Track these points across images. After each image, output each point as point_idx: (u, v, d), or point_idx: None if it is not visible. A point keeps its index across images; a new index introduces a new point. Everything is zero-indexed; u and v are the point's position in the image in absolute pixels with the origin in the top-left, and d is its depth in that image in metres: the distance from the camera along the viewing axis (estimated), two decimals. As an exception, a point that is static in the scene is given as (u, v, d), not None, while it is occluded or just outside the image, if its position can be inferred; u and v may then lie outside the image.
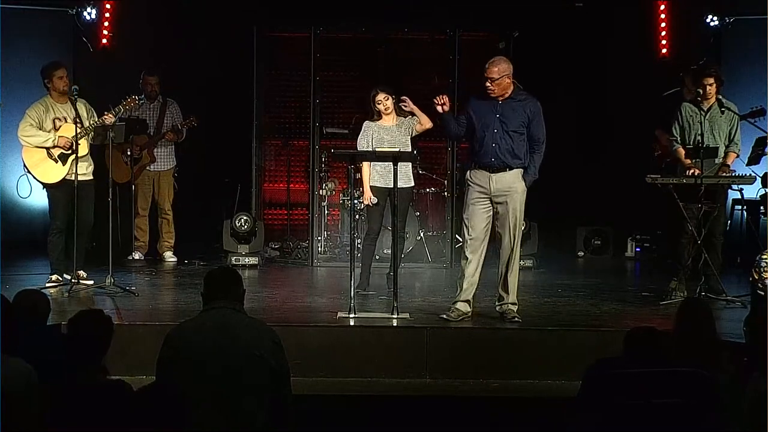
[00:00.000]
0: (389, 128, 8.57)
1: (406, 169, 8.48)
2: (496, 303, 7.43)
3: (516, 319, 7.29)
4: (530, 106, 7.32)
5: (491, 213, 7.31)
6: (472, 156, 7.41)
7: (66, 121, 8.49)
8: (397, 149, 8.21)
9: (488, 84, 7.22)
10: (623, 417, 4.46)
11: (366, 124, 8.68)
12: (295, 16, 10.86)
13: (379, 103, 8.56)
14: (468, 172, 7.43)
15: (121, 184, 10.16)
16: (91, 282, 8.50)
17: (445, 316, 7.30)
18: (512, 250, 7.31)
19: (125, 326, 6.95)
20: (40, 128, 8.49)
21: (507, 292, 7.36)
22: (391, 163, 7.81)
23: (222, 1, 11.15)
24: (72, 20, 11.08)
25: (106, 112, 8.50)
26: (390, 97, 8.56)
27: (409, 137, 8.56)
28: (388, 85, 8.88)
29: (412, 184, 8.75)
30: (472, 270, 7.33)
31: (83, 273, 8.50)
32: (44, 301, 5.31)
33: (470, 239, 7.31)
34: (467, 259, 7.33)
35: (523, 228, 7.48)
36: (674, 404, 4.48)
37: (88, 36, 11.10)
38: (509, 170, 7.26)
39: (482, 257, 7.37)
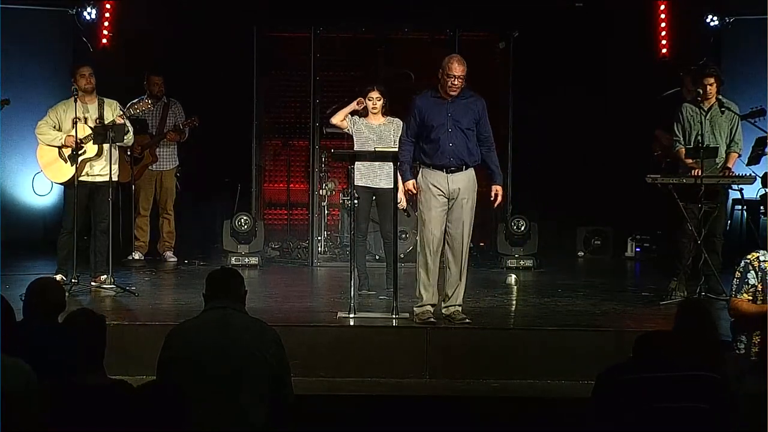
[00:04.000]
0: (375, 127, 8.62)
1: (388, 169, 8.37)
2: (442, 305, 7.20)
3: (467, 321, 7.12)
4: (479, 105, 7.25)
5: (446, 213, 7.19)
6: (425, 157, 7.22)
7: (86, 122, 8.44)
8: (382, 148, 8.20)
9: (455, 82, 7.15)
10: (641, 421, 4.43)
11: (354, 118, 8.72)
12: (295, 16, 10.86)
13: (370, 100, 8.61)
14: (420, 173, 7.27)
15: (122, 184, 10.16)
16: (98, 284, 8.45)
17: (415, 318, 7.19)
18: (464, 249, 7.15)
19: (125, 326, 6.95)
20: (59, 127, 8.44)
21: (455, 293, 7.18)
22: (372, 162, 7.80)
23: (222, 1, 11.14)
24: (72, 20, 11.09)
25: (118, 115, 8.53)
26: (382, 98, 8.62)
27: (398, 137, 8.51)
28: (385, 85, 8.90)
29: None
30: (436, 273, 7.19)
31: (104, 277, 8.41)
32: (58, 290, 5.29)
33: (433, 242, 7.16)
34: (427, 262, 7.17)
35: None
36: (696, 408, 4.47)
37: (88, 36, 11.11)
38: (465, 169, 7.17)
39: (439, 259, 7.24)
